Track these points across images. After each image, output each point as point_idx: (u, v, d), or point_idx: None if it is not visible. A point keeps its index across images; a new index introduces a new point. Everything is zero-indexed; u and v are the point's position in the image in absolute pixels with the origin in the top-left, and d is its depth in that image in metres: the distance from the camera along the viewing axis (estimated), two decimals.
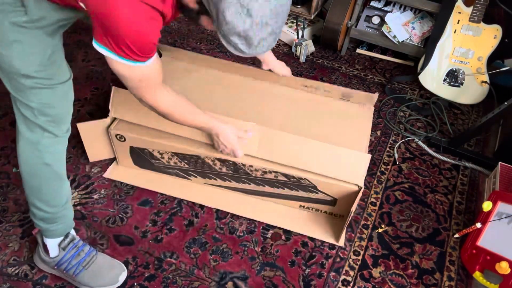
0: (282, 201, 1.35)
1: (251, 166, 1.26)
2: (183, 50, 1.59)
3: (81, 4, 0.82)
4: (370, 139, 1.68)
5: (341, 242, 1.29)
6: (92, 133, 1.36)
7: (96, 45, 0.83)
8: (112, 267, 1.15)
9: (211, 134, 1.20)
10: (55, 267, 1.12)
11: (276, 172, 1.25)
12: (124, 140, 1.32)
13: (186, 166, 1.33)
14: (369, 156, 1.22)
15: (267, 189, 1.32)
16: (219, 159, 1.27)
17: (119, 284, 1.14)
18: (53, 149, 1.01)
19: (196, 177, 1.36)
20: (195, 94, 1.41)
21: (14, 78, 0.91)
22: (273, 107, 1.40)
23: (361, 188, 1.19)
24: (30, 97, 0.93)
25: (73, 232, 1.15)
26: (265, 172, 1.26)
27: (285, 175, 1.25)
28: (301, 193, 1.30)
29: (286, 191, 1.31)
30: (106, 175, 1.41)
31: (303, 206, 1.34)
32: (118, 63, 0.85)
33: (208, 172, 1.33)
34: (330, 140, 1.24)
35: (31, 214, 1.08)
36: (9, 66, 0.89)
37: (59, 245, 1.11)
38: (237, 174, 1.30)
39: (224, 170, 1.30)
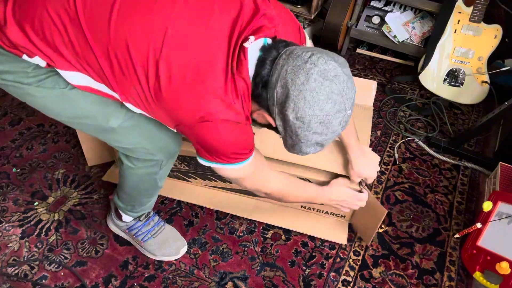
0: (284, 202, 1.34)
1: None
2: None
3: (174, 130, 0.86)
4: (370, 139, 1.68)
5: (343, 241, 1.29)
6: (91, 137, 1.35)
7: (204, 162, 0.89)
8: (176, 240, 1.24)
9: (324, 202, 1.16)
10: (126, 231, 1.22)
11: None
12: None
13: (186, 168, 1.33)
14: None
15: None
16: None
17: (179, 256, 1.22)
18: (165, 172, 1.11)
19: (196, 179, 1.36)
20: None
21: (104, 134, 0.96)
22: None
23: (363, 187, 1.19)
24: (131, 141, 0.98)
25: None
26: None
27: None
28: None
29: None
30: (106, 178, 1.41)
31: (305, 207, 1.34)
32: (233, 170, 0.90)
33: (209, 174, 1.32)
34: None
35: (120, 199, 1.17)
36: (96, 128, 0.94)
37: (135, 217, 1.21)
38: None
39: None
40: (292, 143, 0.81)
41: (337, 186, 1.16)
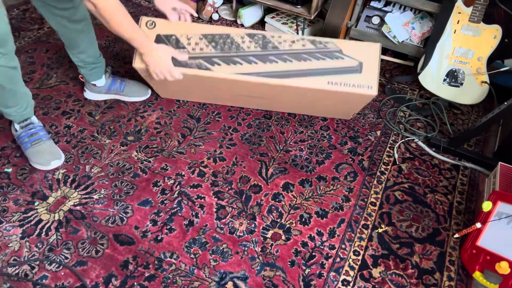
0: (310, 80, 1.39)
1: (280, 36, 1.40)
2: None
3: None
4: (370, 139, 1.68)
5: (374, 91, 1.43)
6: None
7: None
8: (51, 153, 1.43)
9: (142, 54, 1.27)
10: (17, 139, 1.47)
11: (303, 39, 1.39)
12: (154, 26, 1.36)
13: (212, 50, 1.36)
14: None
15: (295, 65, 1.39)
16: (248, 34, 1.37)
17: (50, 167, 1.43)
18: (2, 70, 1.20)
19: (220, 64, 1.38)
20: None
21: None
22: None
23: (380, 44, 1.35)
24: None
25: (34, 119, 1.47)
26: (293, 42, 1.38)
27: (312, 42, 1.39)
28: (328, 62, 1.39)
29: (313, 64, 1.39)
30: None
31: (331, 82, 1.39)
32: None
33: (234, 56, 1.36)
34: None
35: None
36: None
37: (19, 124, 1.44)
38: (265, 50, 1.38)
39: (252, 48, 1.38)
40: None
41: (163, 49, 1.27)
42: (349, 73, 1.41)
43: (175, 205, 1.36)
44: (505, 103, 1.47)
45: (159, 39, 1.38)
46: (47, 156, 1.42)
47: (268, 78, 1.38)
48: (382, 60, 2.17)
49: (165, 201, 1.37)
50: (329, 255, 1.27)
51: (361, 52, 1.41)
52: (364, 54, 1.41)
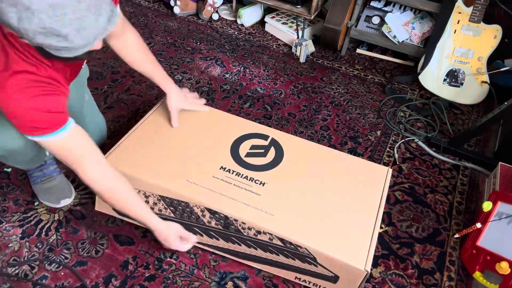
0: (275, 269, 1.18)
1: (243, 223, 1.12)
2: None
3: None
4: (370, 139, 1.68)
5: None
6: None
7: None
8: (61, 191, 1.32)
9: (153, 230, 1.15)
10: (26, 170, 1.35)
11: (271, 234, 1.11)
12: None
13: (171, 214, 1.21)
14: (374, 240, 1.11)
15: (259, 253, 1.16)
16: (209, 209, 1.14)
17: (59, 205, 1.32)
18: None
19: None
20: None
21: None
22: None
23: (367, 271, 1.04)
24: None
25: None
26: (259, 233, 1.11)
27: (281, 240, 1.10)
28: (298, 263, 1.12)
29: (281, 258, 1.14)
30: (97, 208, 1.32)
31: (299, 279, 1.17)
32: (41, 142, 0.94)
33: (194, 225, 1.20)
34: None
35: None
36: None
37: None
38: (227, 230, 1.15)
39: (213, 224, 1.16)
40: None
41: (167, 233, 1.16)
42: (322, 279, 1.13)
43: None
44: (505, 103, 1.47)
45: None
46: (57, 195, 1.31)
47: (231, 256, 1.22)
48: (382, 60, 2.17)
49: None
50: None
51: (340, 267, 1.07)
52: (343, 269, 1.07)
